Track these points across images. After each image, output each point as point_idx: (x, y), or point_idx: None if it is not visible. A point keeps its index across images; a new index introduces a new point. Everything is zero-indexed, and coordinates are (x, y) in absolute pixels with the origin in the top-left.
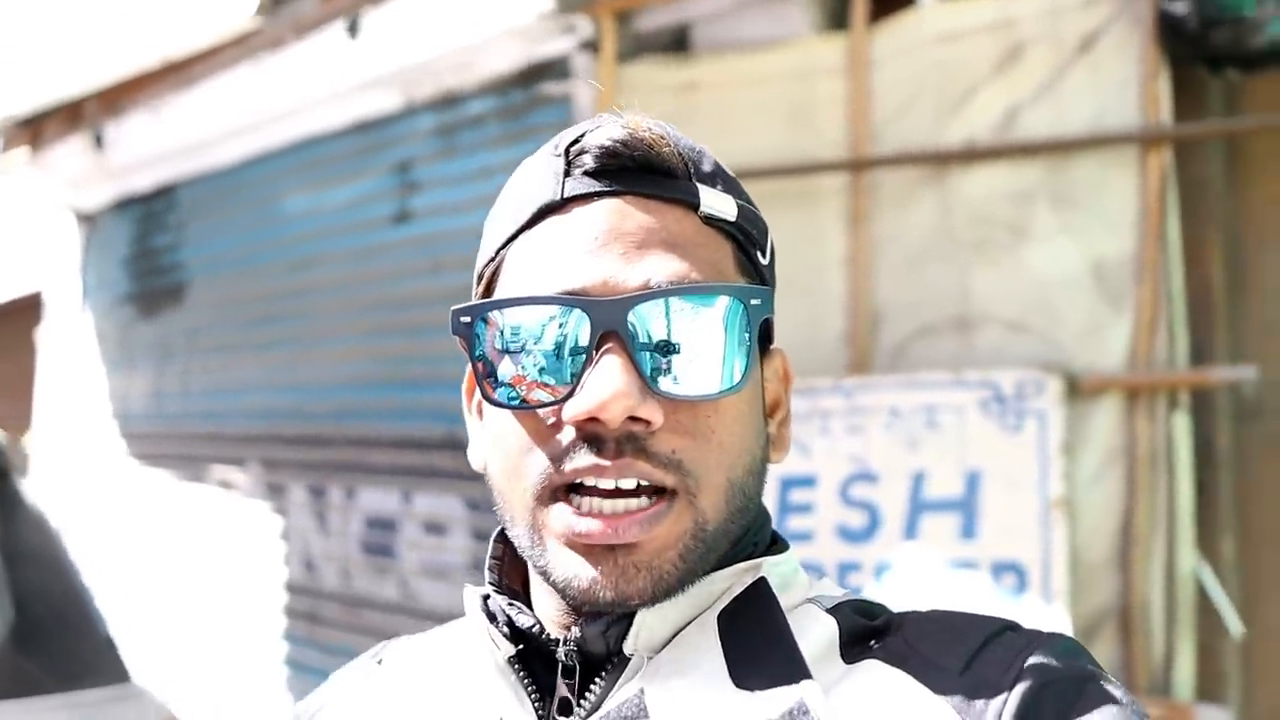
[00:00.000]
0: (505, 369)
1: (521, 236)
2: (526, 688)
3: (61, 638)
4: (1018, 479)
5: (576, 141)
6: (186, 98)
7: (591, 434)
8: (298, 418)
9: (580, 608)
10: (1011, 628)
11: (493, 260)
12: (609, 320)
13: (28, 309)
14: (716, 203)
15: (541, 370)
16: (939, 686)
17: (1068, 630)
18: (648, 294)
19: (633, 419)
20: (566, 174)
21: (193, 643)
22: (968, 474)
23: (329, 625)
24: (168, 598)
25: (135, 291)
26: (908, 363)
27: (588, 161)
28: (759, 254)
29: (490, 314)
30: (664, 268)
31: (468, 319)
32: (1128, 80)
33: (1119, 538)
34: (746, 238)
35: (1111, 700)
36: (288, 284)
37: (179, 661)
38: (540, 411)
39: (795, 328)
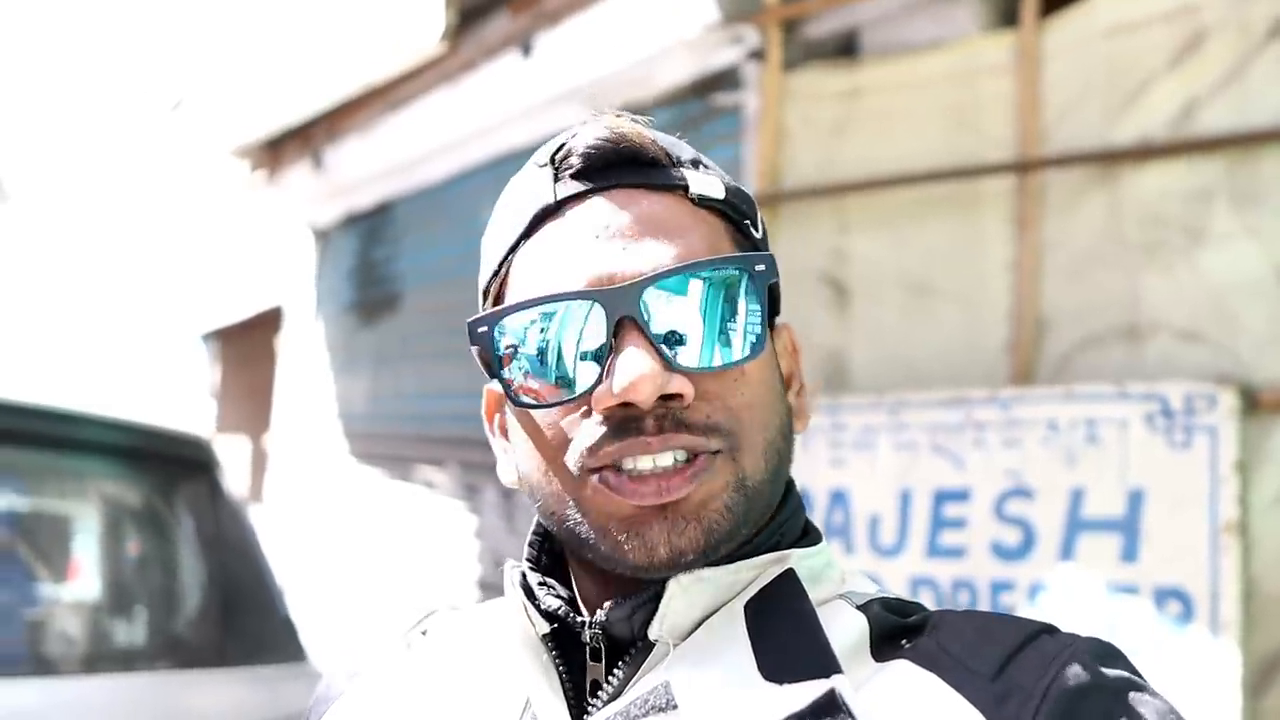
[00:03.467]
0: (528, 371)
1: (522, 246)
2: (558, 667)
3: (248, 617)
4: (1185, 499)
5: (560, 149)
6: (394, 120)
7: (625, 418)
8: None
9: (622, 579)
10: (1048, 630)
11: (497, 274)
12: (622, 307)
13: (270, 321)
14: (704, 184)
15: (564, 367)
16: (970, 691)
17: (1239, 665)
18: (656, 276)
19: (664, 397)
20: (556, 179)
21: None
22: (1130, 492)
23: None
24: (371, 588)
25: (358, 301)
26: (1073, 374)
27: (575, 163)
28: (751, 228)
29: (506, 320)
30: (666, 251)
31: (484, 329)
32: None
33: None
34: (738, 213)
35: (1151, 710)
36: None
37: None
38: (568, 408)
39: (955, 336)
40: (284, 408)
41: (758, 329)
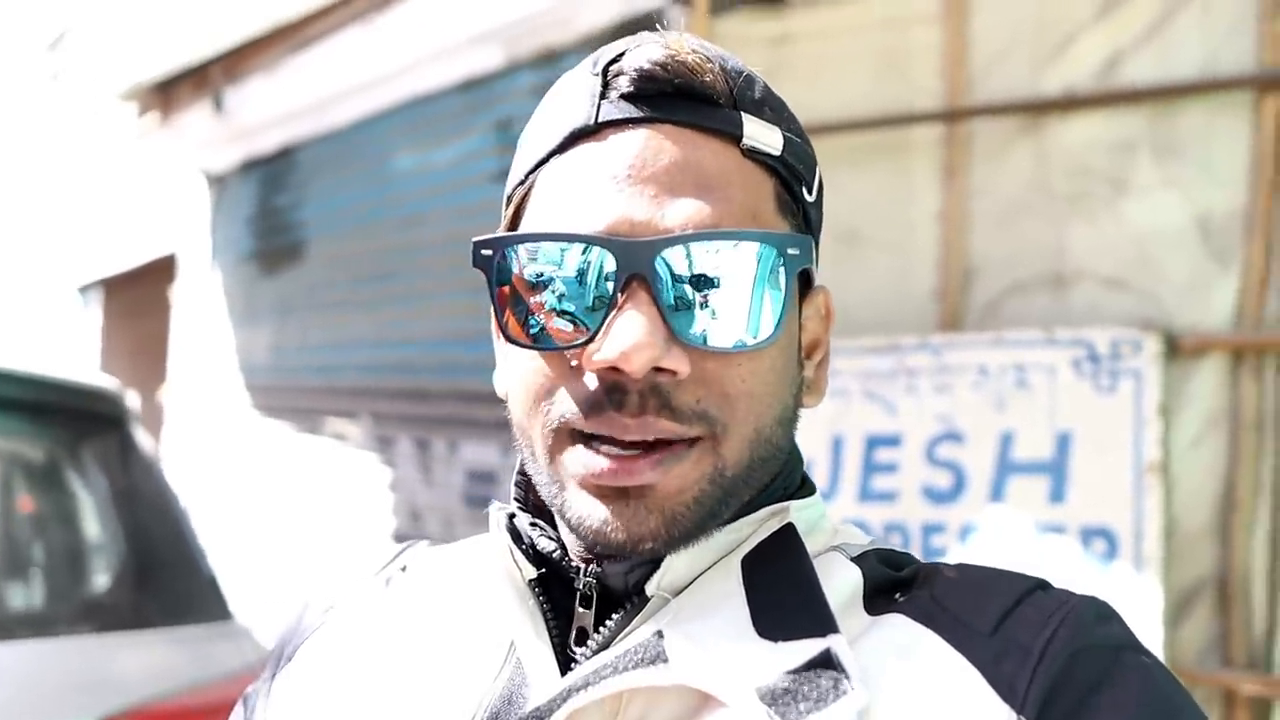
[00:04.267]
0: (526, 306)
1: (553, 160)
2: (545, 613)
3: (169, 576)
4: (1110, 442)
5: (615, 61)
6: (301, 61)
7: (614, 383)
8: (405, 372)
9: (594, 549)
10: (1042, 586)
11: (523, 184)
12: (636, 263)
13: (161, 270)
14: (761, 134)
15: (564, 311)
16: (967, 647)
17: (1160, 599)
18: (678, 237)
19: (658, 369)
20: (603, 96)
21: (301, 589)
22: (1058, 436)
23: None
24: (282, 544)
25: (259, 250)
26: (1000, 320)
27: (624, 84)
28: (804, 190)
29: (512, 248)
30: (697, 210)
31: (489, 251)
32: (1242, 20)
33: (1219, 505)
34: (791, 173)
35: (1145, 669)
36: (397, 241)
37: (286, 605)
38: (563, 355)
39: (885, 283)
40: (180, 360)
41: (778, 315)
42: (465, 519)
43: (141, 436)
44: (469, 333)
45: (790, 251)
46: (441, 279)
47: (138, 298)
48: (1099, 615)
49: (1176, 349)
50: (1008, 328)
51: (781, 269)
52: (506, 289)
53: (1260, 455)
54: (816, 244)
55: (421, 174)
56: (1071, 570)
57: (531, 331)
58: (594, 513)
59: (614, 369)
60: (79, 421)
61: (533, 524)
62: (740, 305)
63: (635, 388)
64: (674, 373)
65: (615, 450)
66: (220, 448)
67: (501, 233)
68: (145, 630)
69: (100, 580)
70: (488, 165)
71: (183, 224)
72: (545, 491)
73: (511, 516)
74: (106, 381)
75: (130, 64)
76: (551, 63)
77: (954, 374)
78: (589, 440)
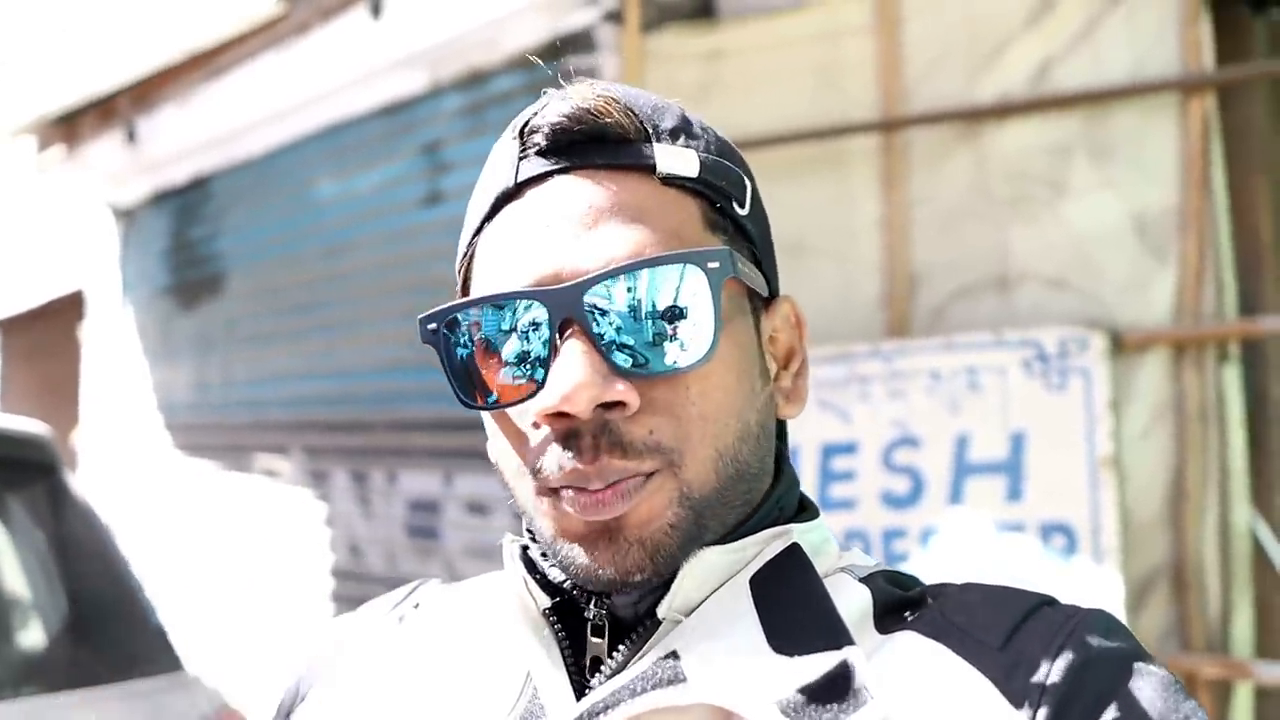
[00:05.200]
0: (478, 372)
1: (485, 229)
2: (560, 642)
3: (114, 628)
4: (1064, 438)
5: (529, 121)
6: (215, 88)
7: (566, 429)
8: (338, 404)
9: (591, 588)
10: (1049, 602)
11: (465, 255)
12: (565, 308)
13: (70, 307)
14: (675, 161)
15: (511, 368)
16: (979, 661)
17: (1120, 589)
18: (599, 275)
19: (608, 405)
20: (521, 156)
21: (241, 631)
22: (1012, 435)
23: None
24: (216, 587)
25: (174, 284)
26: (947, 324)
27: (539, 141)
28: (735, 205)
29: (452, 319)
30: (618, 243)
31: (433, 326)
32: (1166, 26)
33: (1170, 495)
34: (715, 191)
35: (1154, 679)
36: (323, 270)
37: (228, 650)
38: (520, 409)
39: (831, 293)
40: (93, 402)
41: (712, 329)
42: (408, 551)
43: (75, 483)
44: (404, 360)
45: (710, 265)
46: (372, 306)
47: (42, 338)
48: (1107, 627)
49: (1121, 345)
50: (954, 332)
51: (707, 283)
52: (457, 359)
53: (1206, 444)
54: (763, 254)
55: (345, 200)
56: (1034, 567)
57: (488, 396)
58: (580, 556)
59: (563, 414)
60: (6, 470)
61: (544, 554)
62: (674, 327)
63: (587, 430)
64: (623, 405)
65: (584, 497)
66: (141, 491)
67: (443, 305)
68: (93, 688)
69: (38, 638)
70: (415, 189)
71: (89, 259)
72: (543, 543)
73: (525, 548)
74: (34, 426)
75: (31, 96)
76: (478, 84)
77: (906, 379)
78: (562, 491)
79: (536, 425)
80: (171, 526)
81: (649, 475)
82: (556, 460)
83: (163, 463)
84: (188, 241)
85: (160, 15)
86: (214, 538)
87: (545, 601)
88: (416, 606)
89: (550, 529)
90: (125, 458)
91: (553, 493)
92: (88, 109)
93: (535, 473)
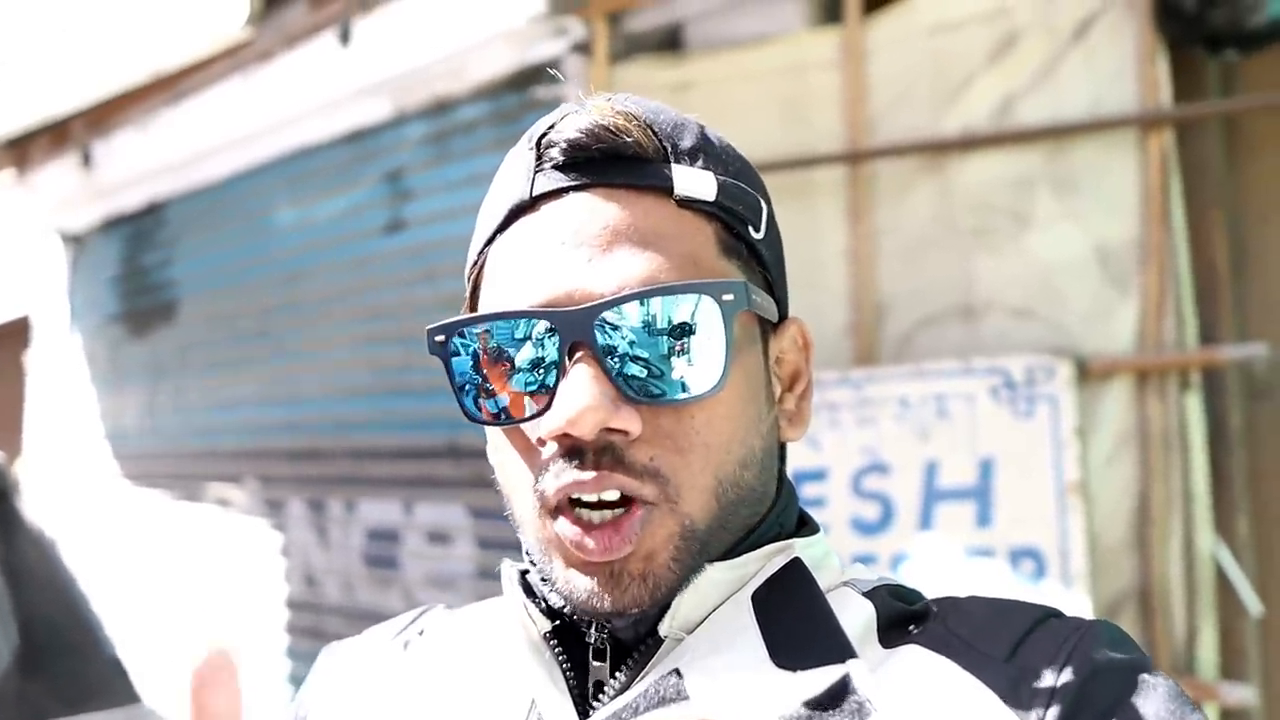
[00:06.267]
0: (484, 386)
1: (498, 239)
2: (561, 665)
3: (67, 660)
4: (1032, 465)
5: (546, 133)
6: (175, 113)
7: (570, 447)
8: (294, 432)
9: (585, 616)
10: (1055, 614)
11: (475, 264)
12: (576, 330)
13: (15, 334)
14: (693, 184)
15: (517, 386)
16: (984, 674)
17: (1090, 614)
18: (613, 300)
19: (610, 429)
20: (537, 169)
21: (194, 662)
22: (981, 462)
23: (333, 639)
24: (168, 618)
25: (125, 311)
26: (913, 353)
27: (556, 155)
28: (750, 229)
29: (461, 332)
30: (633, 268)
31: (441, 338)
32: (1124, 64)
33: (1136, 520)
34: (732, 215)
35: (1160, 690)
36: (281, 297)
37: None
38: (524, 426)
39: None
40: (38, 430)
41: (722, 361)
42: (366, 581)
43: (27, 509)
44: (363, 388)
45: (725, 298)
46: (331, 333)
47: None
48: (1112, 639)
49: (1086, 373)
50: (921, 360)
51: (719, 314)
52: (463, 372)
53: (1169, 470)
54: (776, 278)
55: (306, 227)
56: (1003, 592)
57: (494, 410)
58: (579, 585)
59: (568, 435)
60: None
61: (543, 579)
62: (684, 356)
63: (590, 447)
64: (625, 432)
65: (591, 518)
66: (87, 521)
67: (453, 318)
68: None
69: None
70: (376, 217)
71: (36, 285)
72: (536, 561)
73: (524, 573)
74: None
75: None
76: (443, 113)
77: (876, 406)
78: (563, 510)
79: (541, 442)
80: (119, 557)
81: (649, 506)
82: (556, 474)
83: (110, 492)
84: (140, 268)
85: (122, 38)
86: (164, 569)
87: (545, 626)
88: (421, 633)
89: (549, 550)
90: (71, 487)
91: (553, 514)
92: (40, 132)
93: (536, 490)
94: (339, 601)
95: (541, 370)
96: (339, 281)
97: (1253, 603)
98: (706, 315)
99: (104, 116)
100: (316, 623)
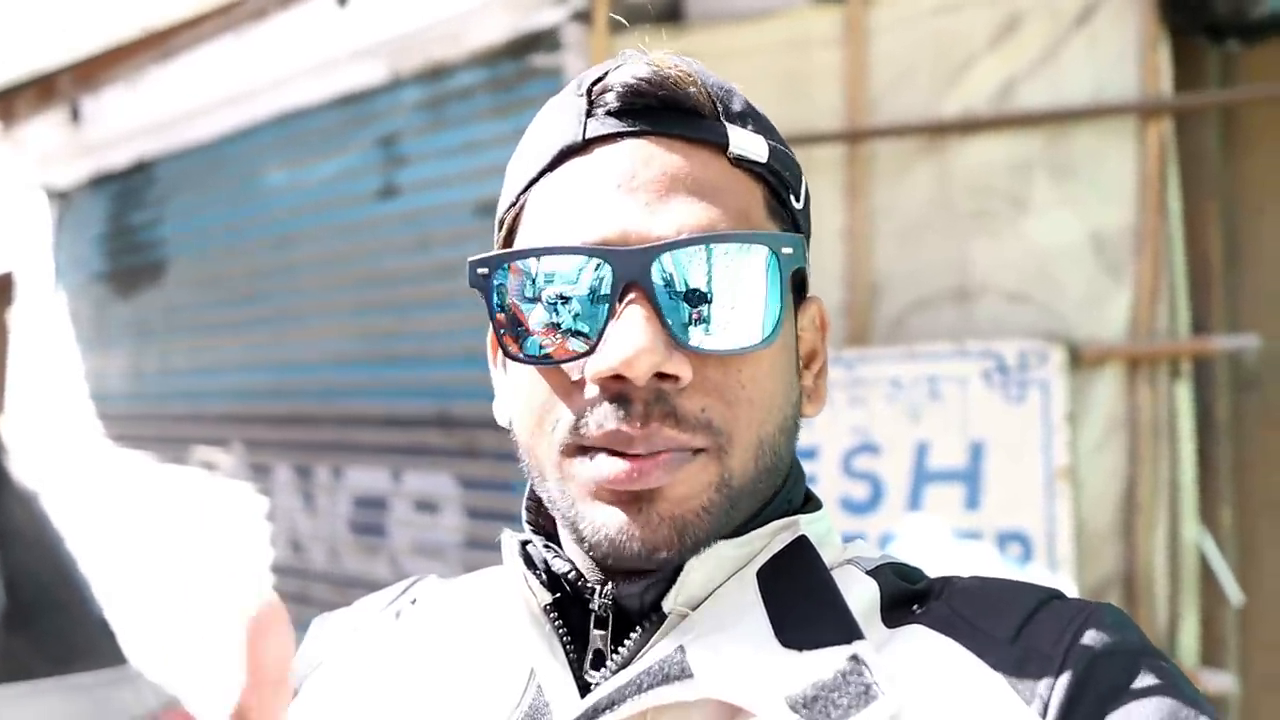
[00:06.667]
0: (526, 323)
1: (543, 179)
2: (561, 637)
3: (54, 620)
4: (1021, 449)
5: (600, 80)
6: (166, 70)
7: (617, 393)
8: (282, 396)
9: (608, 563)
10: (1058, 596)
11: (514, 205)
12: (632, 271)
13: None
14: (747, 143)
15: (563, 324)
16: (989, 655)
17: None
18: (672, 243)
19: (660, 375)
20: (589, 114)
21: (179, 627)
22: (971, 444)
23: (318, 606)
24: (152, 582)
25: (111, 270)
26: (907, 334)
27: (611, 100)
28: (792, 197)
29: (508, 265)
30: (690, 215)
31: (485, 270)
32: (1126, 51)
33: (1122, 506)
34: (779, 180)
35: (1163, 674)
36: (271, 261)
37: (166, 646)
38: (565, 366)
39: None
40: (20, 388)
41: (776, 315)
42: (352, 548)
43: (14, 468)
44: (353, 355)
45: (785, 250)
46: (321, 298)
47: None
48: (1116, 622)
49: (1078, 359)
50: (914, 341)
51: (777, 268)
52: (504, 307)
53: (1157, 458)
54: (808, 250)
55: (297, 190)
56: (989, 574)
57: (532, 350)
58: (609, 521)
59: (617, 378)
60: None
61: (545, 546)
62: (740, 308)
63: (639, 396)
64: (676, 379)
65: (623, 459)
66: (70, 481)
67: (499, 250)
68: (32, 681)
69: None
70: (370, 182)
71: (20, 242)
72: (558, 508)
73: (525, 544)
74: None
75: None
76: (439, 78)
77: (868, 387)
78: (597, 452)
79: (580, 383)
80: (102, 518)
81: (695, 452)
82: (600, 418)
83: (94, 453)
84: (127, 227)
85: None
86: (148, 530)
87: (546, 598)
88: (414, 602)
89: (575, 489)
90: (54, 446)
91: (583, 451)
92: (28, 86)
93: (572, 429)
94: (325, 568)
95: (591, 309)
96: (330, 246)
97: (1234, 592)
98: (763, 267)
99: (93, 72)
100: (302, 588)
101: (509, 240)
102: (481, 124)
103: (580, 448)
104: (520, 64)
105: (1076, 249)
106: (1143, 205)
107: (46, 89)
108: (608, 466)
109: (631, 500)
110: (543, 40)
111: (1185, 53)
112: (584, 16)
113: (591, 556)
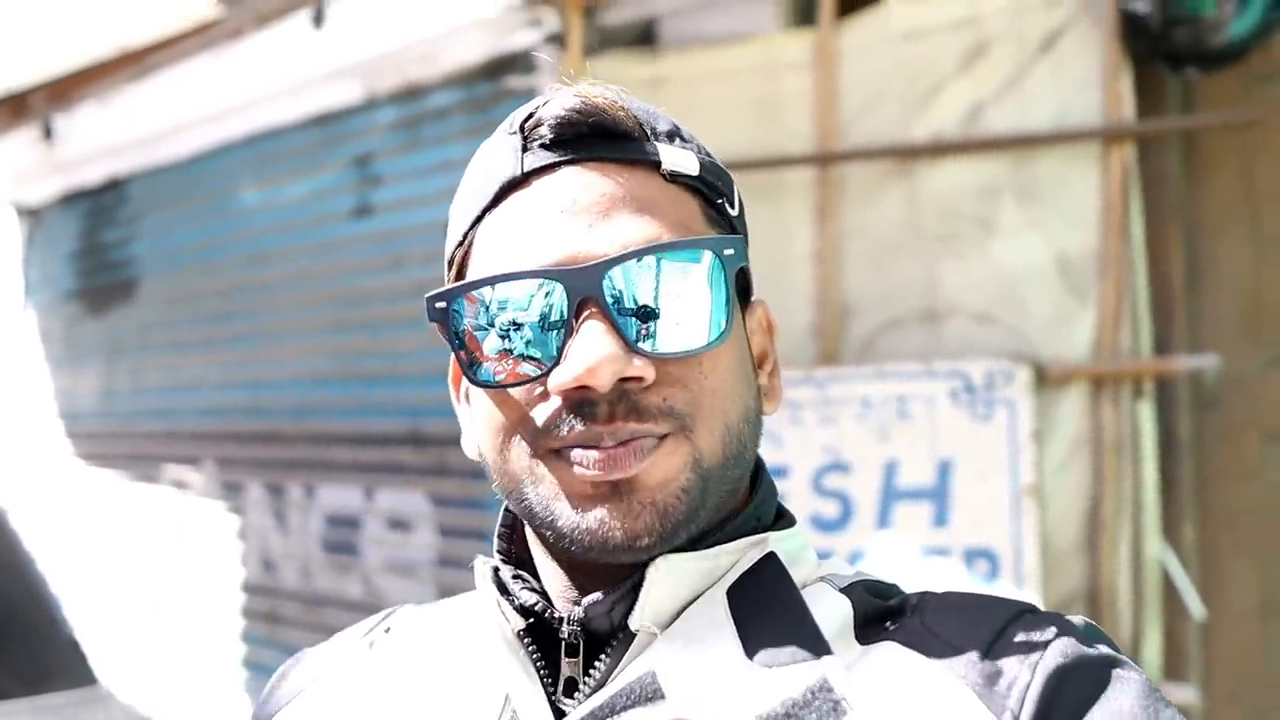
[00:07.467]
0: (486, 349)
1: (488, 216)
2: (536, 663)
3: (25, 641)
4: (989, 467)
5: (531, 115)
6: (141, 89)
7: (581, 400)
8: (255, 415)
9: (590, 555)
10: (1030, 610)
11: (462, 243)
12: (585, 288)
13: None
14: (678, 159)
15: (523, 346)
16: (960, 670)
17: None
18: (620, 257)
19: (624, 380)
20: (524, 149)
21: (150, 646)
22: (939, 463)
23: (289, 625)
24: (123, 601)
25: (83, 288)
26: (877, 354)
27: (544, 133)
28: (726, 204)
29: (465, 296)
30: (633, 230)
31: (442, 304)
32: (1090, 78)
33: (1087, 523)
34: (712, 190)
35: (1134, 685)
36: (244, 279)
37: (137, 665)
38: (527, 387)
39: None
40: None
41: (724, 314)
42: (324, 566)
43: None
44: (325, 373)
45: (727, 252)
46: (294, 317)
47: None
48: (1087, 634)
49: (1043, 379)
50: (883, 361)
51: (721, 269)
52: (464, 337)
53: (1120, 476)
54: (748, 255)
55: (271, 209)
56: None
57: (496, 373)
58: (589, 514)
59: (581, 388)
60: None
61: (515, 576)
62: (690, 310)
63: (603, 399)
64: (640, 379)
65: (595, 450)
66: (38, 500)
67: (453, 284)
68: (3, 702)
69: None
70: (344, 202)
71: None
72: (535, 516)
73: (496, 570)
74: None
75: None
76: (415, 98)
77: (838, 406)
78: (568, 450)
79: (543, 397)
80: (72, 538)
81: (662, 437)
82: (568, 425)
83: (63, 471)
84: (99, 244)
85: (88, 10)
86: (119, 550)
87: (519, 623)
88: (388, 631)
89: (549, 491)
90: (24, 466)
91: (556, 454)
92: (0, 103)
93: (542, 435)
94: (297, 586)
95: (548, 329)
96: (304, 265)
97: (1196, 607)
98: (709, 269)
99: (66, 90)
100: (273, 607)
101: (460, 277)
102: (456, 145)
103: (551, 450)
104: (495, 85)
105: (1042, 271)
106: (1106, 228)
107: (19, 106)
108: (581, 457)
109: (611, 492)
110: (518, 62)
111: (1146, 80)
112: (559, 39)
113: (572, 555)
